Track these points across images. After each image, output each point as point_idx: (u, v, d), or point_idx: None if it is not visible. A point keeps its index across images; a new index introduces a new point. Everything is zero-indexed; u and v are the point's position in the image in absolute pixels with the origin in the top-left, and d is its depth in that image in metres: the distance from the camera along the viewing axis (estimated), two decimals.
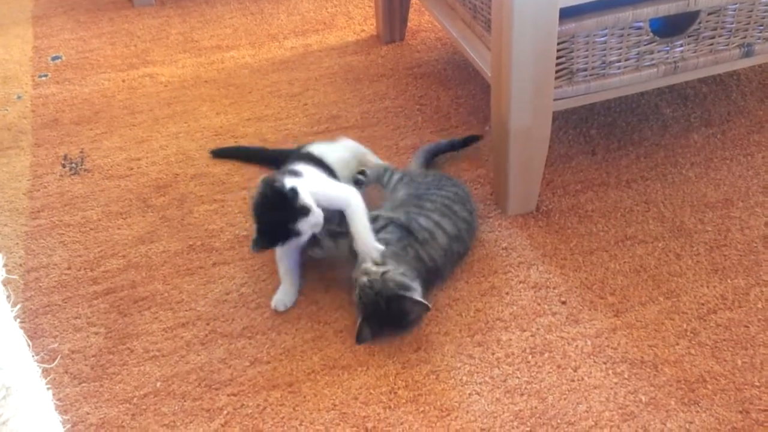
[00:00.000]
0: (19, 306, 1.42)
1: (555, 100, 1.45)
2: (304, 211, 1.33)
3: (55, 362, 1.32)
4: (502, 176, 1.52)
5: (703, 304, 1.35)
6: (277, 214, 1.33)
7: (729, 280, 1.39)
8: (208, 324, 1.39)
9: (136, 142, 1.85)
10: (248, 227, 1.56)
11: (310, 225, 1.34)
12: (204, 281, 1.47)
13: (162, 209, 1.65)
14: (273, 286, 1.45)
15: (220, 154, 1.78)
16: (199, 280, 1.48)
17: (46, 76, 2.13)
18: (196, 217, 1.62)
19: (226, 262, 1.51)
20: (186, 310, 1.42)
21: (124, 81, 2.08)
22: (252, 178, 1.70)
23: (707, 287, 1.38)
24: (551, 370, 1.26)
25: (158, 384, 1.29)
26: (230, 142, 1.82)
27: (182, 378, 1.30)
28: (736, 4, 1.46)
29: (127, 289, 1.47)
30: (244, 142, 1.82)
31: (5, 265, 1.53)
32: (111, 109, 1.97)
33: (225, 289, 1.46)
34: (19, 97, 2.04)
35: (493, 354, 1.30)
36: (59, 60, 2.19)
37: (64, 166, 1.79)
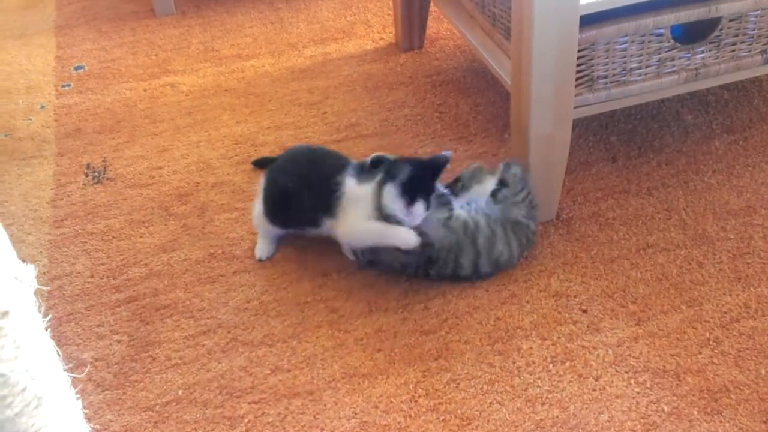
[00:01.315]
0: (50, 316, 1.43)
1: (575, 107, 1.45)
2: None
3: (84, 372, 1.33)
4: None
5: (725, 313, 1.34)
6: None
7: (752, 289, 1.37)
8: (229, 332, 1.40)
9: (158, 151, 1.87)
10: None
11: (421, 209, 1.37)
12: (225, 289, 1.48)
13: (183, 218, 1.66)
14: (294, 294, 1.46)
15: (260, 164, 1.77)
16: (220, 288, 1.48)
17: (69, 85, 2.15)
18: (217, 225, 1.63)
19: (247, 270, 1.52)
20: (207, 318, 1.43)
21: (145, 90, 2.10)
22: None
23: (730, 296, 1.37)
24: (572, 380, 1.26)
25: (180, 392, 1.30)
26: (250, 151, 1.83)
27: (204, 386, 1.31)
28: (758, 10, 1.45)
29: (149, 297, 1.48)
30: (264, 151, 1.83)
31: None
32: (133, 119, 1.99)
33: (246, 297, 1.46)
34: (42, 107, 2.07)
35: (513, 363, 1.30)
36: (82, 70, 2.22)
37: (86, 175, 1.81)
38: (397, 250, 1.38)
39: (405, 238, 1.36)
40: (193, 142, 1.89)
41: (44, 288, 1.49)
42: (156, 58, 2.25)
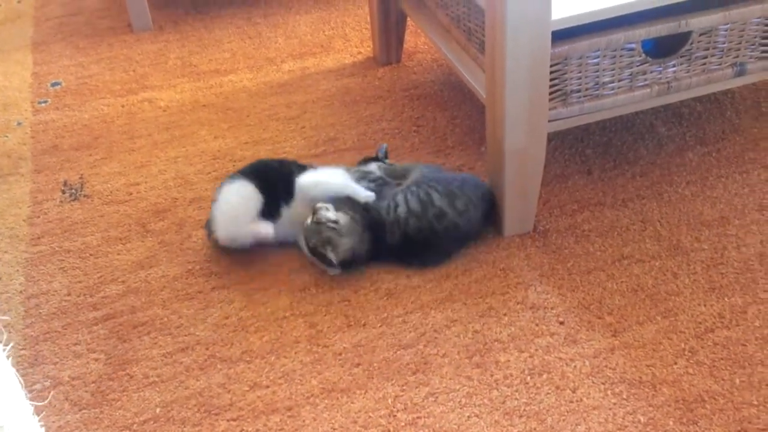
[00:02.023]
0: (11, 345, 1.43)
1: (550, 121, 1.46)
2: None
3: (47, 399, 1.33)
4: (499, 197, 1.53)
5: (700, 323, 1.35)
6: None
7: (726, 299, 1.39)
8: (207, 349, 1.39)
9: (135, 167, 1.86)
10: (243, 254, 1.57)
11: None
12: (203, 306, 1.48)
13: (161, 234, 1.66)
14: (272, 309, 1.46)
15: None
16: (198, 305, 1.48)
17: (45, 102, 2.14)
18: (195, 241, 1.63)
19: (225, 286, 1.52)
20: (185, 335, 1.42)
21: (123, 106, 2.10)
22: None
23: (704, 306, 1.38)
24: (550, 392, 1.26)
25: (158, 410, 1.30)
26: (228, 166, 1.83)
27: (182, 404, 1.30)
28: (727, 24, 1.47)
29: (126, 315, 1.47)
30: (242, 166, 1.83)
31: (5, 293, 1.54)
32: (110, 135, 1.99)
33: (224, 313, 1.46)
34: (19, 124, 2.06)
35: (491, 375, 1.30)
36: (59, 86, 2.21)
37: (63, 192, 1.80)
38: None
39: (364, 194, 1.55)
40: (171, 157, 1.89)
41: (5, 318, 1.48)
42: (133, 73, 2.25)
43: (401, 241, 1.49)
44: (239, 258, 1.57)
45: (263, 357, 1.37)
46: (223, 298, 1.49)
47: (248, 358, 1.37)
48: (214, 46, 2.35)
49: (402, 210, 1.49)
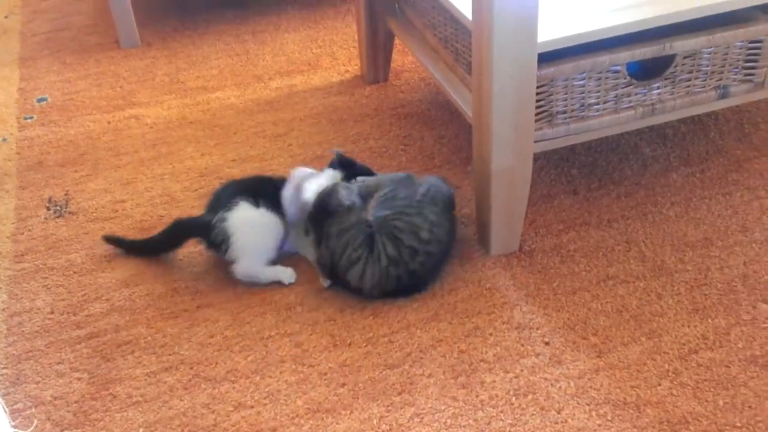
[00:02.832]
0: None
1: (536, 141, 1.47)
2: None
3: (31, 428, 1.31)
4: (485, 217, 1.54)
5: (684, 344, 1.36)
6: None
7: (709, 320, 1.40)
8: (191, 368, 1.38)
9: (121, 184, 1.86)
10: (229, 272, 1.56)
11: None
12: (188, 324, 1.47)
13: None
14: (257, 328, 1.45)
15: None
16: (182, 324, 1.47)
17: (31, 118, 2.14)
18: (181, 259, 1.62)
19: (211, 305, 1.51)
20: (169, 354, 1.41)
21: (109, 123, 2.09)
22: None
23: (688, 327, 1.39)
24: (535, 412, 1.26)
25: (141, 430, 1.28)
26: (215, 183, 1.82)
27: (165, 424, 1.29)
28: (711, 47, 1.49)
29: (110, 334, 1.46)
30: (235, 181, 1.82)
31: None
32: (96, 151, 1.98)
33: (209, 332, 1.45)
34: (4, 140, 2.05)
35: (477, 396, 1.30)
36: (45, 102, 2.21)
37: (48, 208, 1.79)
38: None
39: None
40: (157, 174, 1.88)
41: None
42: (120, 90, 2.24)
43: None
44: (225, 276, 1.56)
45: (248, 377, 1.36)
46: (209, 317, 1.48)
47: (233, 378, 1.36)
48: (202, 63, 2.35)
49: (383, 262, 1.46)
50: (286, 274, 1.54)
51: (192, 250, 1.64)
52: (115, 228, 1.72)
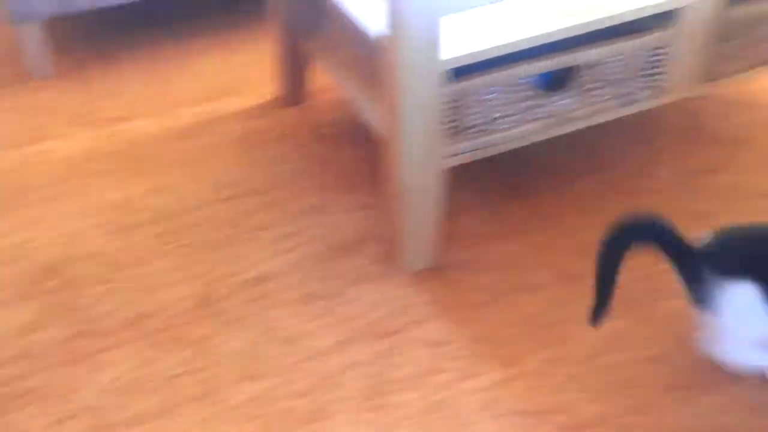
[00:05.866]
0: None
1: (445, 157, 1.46)
2: None
3: None
4: (398, 234, 1.52)
5: (587, 348, 1.38)
6: None
7: (611, 323, 1.39)
8: (93, 415, 1.32)
9: (27, 223, 1.78)
10: (138, 308, 1.50)
11: None
12: (92, 369, 1.41)
13: (51, 293, 1.57)
14: (165, 367, 1.39)
15: None
16: (86, 368, 1.41)
17: None
18: (87, 299, 1.55)
19: (116, 346, 1.45)
20: (70, 403, 1.34)
21: (16, 159, 2.01)
22: (142, 256, 1.65)
23: (592, 331, 1.39)
24: (447, 428, 1.26)
25: None
26: (127, 218, 1.77)
27: None
28: (613, 57, 1.49)
29: (8, 385, 1.39)
30: (145, 216, 1.77)
31: None
32: (1, 190, 1.90)
33: (114, 375, 1.39)
34: None
35: (390, 416, 1.29)
36: None
37: None
38: None
39: None
40: (66, 212, 1.81)
41: None
42: (30, 124, 2.16)
43: None
44: (131, 315, 1.50)
45: (155, 420, 1.30)
46: (114, 359, 1.42)
47: (139, 422, 1.30)
48: (118, 92, 2.28)
49: None
50: None
51: (101, 288, 1.57)
52: (16, 271, 1.64)
